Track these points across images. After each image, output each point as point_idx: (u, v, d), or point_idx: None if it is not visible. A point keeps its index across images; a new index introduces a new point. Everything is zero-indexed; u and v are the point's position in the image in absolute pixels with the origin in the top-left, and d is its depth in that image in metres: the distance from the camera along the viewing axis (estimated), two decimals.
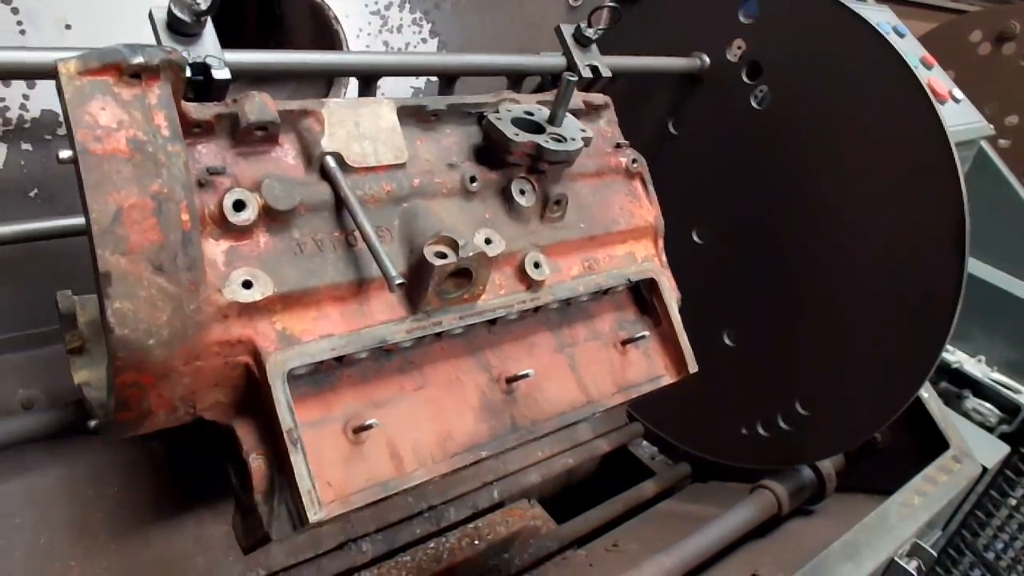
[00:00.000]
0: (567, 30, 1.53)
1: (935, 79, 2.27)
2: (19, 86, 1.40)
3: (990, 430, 2.26)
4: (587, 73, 1.50)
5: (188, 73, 0.93)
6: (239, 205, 0.87)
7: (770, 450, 1.83)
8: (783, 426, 1.77)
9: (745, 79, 1.74)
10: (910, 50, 2.10)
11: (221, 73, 0.96)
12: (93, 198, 0.76)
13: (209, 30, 0.99)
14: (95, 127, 0.77)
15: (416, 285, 0.99)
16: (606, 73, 1.52)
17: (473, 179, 1.12)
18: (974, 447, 1.90)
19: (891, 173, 1.51)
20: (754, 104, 1.74)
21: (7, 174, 1.48)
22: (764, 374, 1.82)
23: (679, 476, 2.25)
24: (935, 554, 1.58)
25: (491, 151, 1.16)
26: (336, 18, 1.76)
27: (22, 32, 1.36)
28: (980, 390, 2.44)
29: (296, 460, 0.84)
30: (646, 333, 1.28)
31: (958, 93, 2.38)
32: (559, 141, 1.14)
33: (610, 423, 2.37)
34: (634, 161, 1.36)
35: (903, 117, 1.47)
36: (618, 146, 1.36)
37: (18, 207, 1.53)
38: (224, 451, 0.97)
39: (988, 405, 2.41)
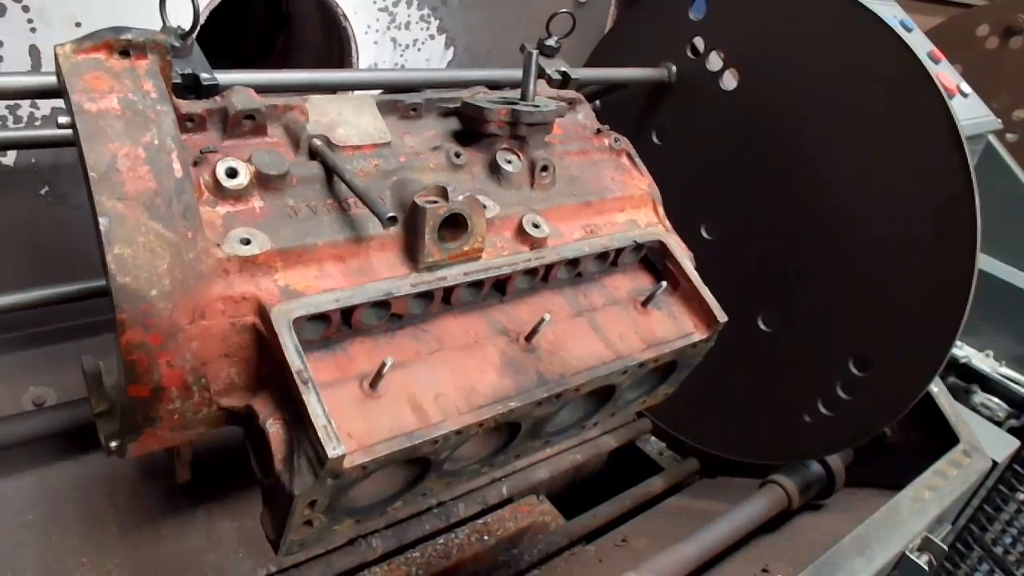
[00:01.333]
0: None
1: (943, 73, 2.27)
2: None
3: (998, 424, 2.25)
4: (557, 76, 1.56)
5: (178, 80, 1.00)
6: (232, 172, 0.93)
7: (838, 428, 1.70)
8: (844, 396, 1.66)
9: (709, 68, 1.81)
10: (918, 44, 2.10)
11: (209, 79, 1.03)
12: (89, 149, 0.82)
13: (196, 50, 1.06)
14: (90, 91, 0.84)
15: (412, 235, 1.01)
16: (575, 75, 1.58)
17: (458, 154, 1.16)
18: (983, 441, 1.89)
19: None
20: (723, 87, 1.79)
21: (18, 172, 1.48)
22: (810, 347, 1.75)
23: (687, 472, 2.25)
24: (946, 548, 1.57)
25: (471, 129, 1.21)
26: (344, 15, 1.76)
27: (32, 30, 1.37)
28: (988, 385, 2.44)
29: (308, 399, 0.83)
30: (664, 283, 1.26)
31: (966, 87, 2.38)
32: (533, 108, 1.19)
33: (617, 419, 2.37)
34: (616, 140, 1.41)
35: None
36: (599, 132, 1.41)
37: (29, 205, 1.54)
38: (247, 440, 0.96)
39: (996, 400, 2.40)
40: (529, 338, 1.09)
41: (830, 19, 1.58)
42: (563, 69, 1.56)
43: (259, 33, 2.15)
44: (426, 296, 1.03)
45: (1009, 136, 3.23)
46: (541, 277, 1.17)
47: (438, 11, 1.93)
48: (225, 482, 1.71)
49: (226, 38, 1.98)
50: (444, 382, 1.00)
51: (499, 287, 1.13)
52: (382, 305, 0.98)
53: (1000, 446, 1.98)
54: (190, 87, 1.02)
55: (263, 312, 0.88)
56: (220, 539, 1.70)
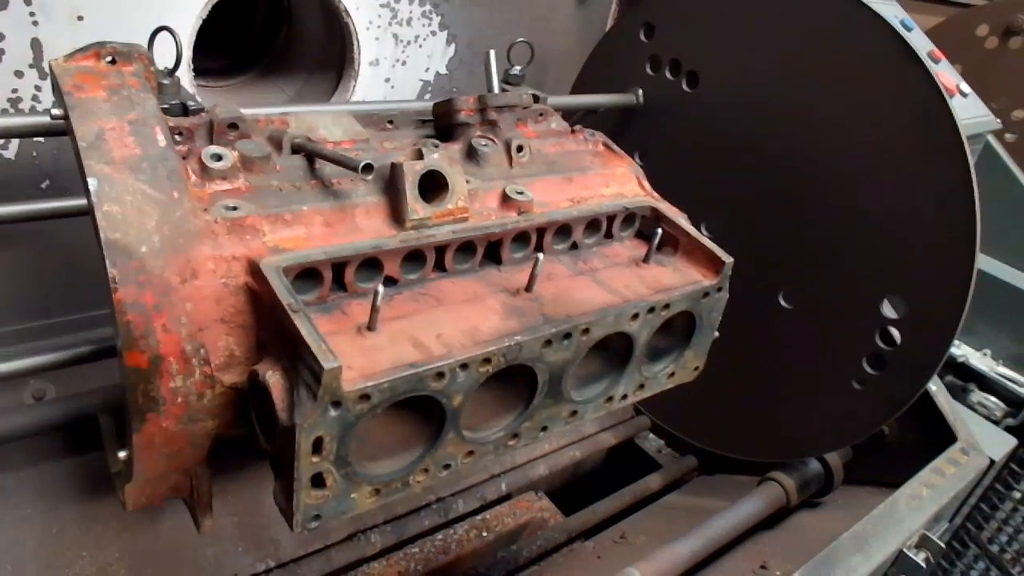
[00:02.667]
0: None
1: (943, 73, 2.27)
2: (32, 75, 1.41)
3: (995, 423, 2.26)
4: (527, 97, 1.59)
5: (166, 106, 1.07)
6: (217, 156, 0.99)
7: (889, 385, 1.61)
8: (884, 347, 1.59)
9: (669, 75, 1.91)
10: (918, 43, 2.10)
11: (195, 106, 1.12)
12: (79, 126, 0.89)
13: (183, 87, 1.16)
14: (80, 84, 0.94)
15: (395, 197, 1.05)
16: (543, 95, 1.59)
17: (436, 144, 1.19)
18: (981, 440, 1.90)
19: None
20: (686, 88, 1.88)
21: (20, 165, 1.48)
22: (837, 307, 1.69)
23: (686, 469, 2.26)
24: (943, 545, 1.58)
25: (443, 127, 1.27)
26: (346, 10, 1.76)
27: (35, 23, 1.37)
28: (985, 384, 2.44)
29: (301, 323, 0.83)
30: (660, 229, 1.24)
31: (965, 87, 2.38)
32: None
33: (616, 416, 2.38)
34: (592, 134, 1.44)
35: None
36: (573, 131, 1.44)
37: (30, 198, 1.53)
38: (254, 417, 0.94)
39: (993, 399, 2.41)
40: (529, 288, 1.08)
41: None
42: (532, 92, 1.59)
43: (261, 28, 2.14)
44: (418, 258, 1.04)
45: (1008, 136, 3.24)
46: (535, 246, 1.17)
47: (440, 7, 1.93)
48: (225, 477, 1.72)
49: (228, 34, 1.98)
50: (446, 325, 0.98)
51: (494, 256, 1.13)
52: (373, 265, 0.99)
53: (997, 444, 1.99)
54: (179, 113, 1.09)
55: (254, 267, 0.90)
56: (219, 533, 1.71)
